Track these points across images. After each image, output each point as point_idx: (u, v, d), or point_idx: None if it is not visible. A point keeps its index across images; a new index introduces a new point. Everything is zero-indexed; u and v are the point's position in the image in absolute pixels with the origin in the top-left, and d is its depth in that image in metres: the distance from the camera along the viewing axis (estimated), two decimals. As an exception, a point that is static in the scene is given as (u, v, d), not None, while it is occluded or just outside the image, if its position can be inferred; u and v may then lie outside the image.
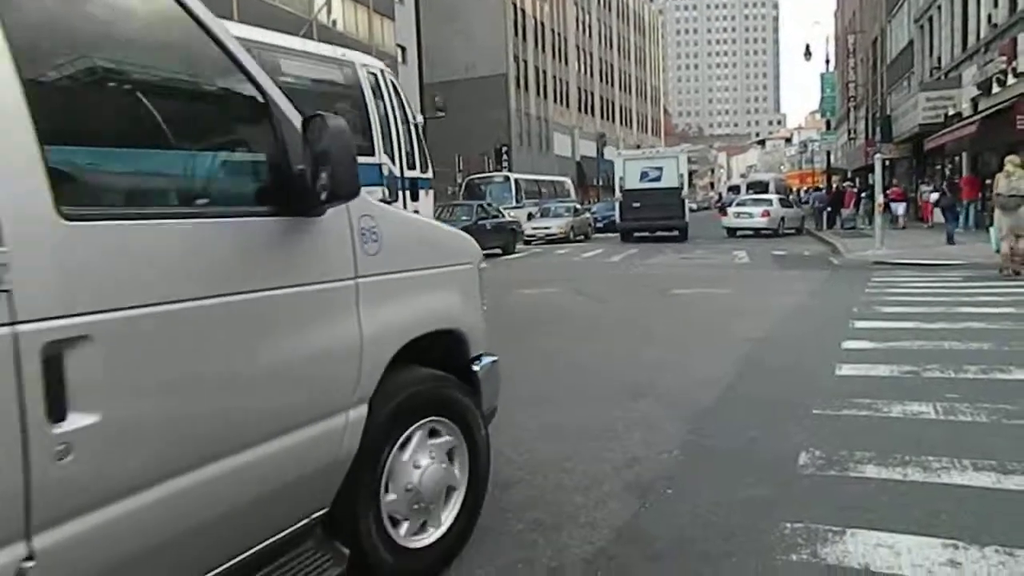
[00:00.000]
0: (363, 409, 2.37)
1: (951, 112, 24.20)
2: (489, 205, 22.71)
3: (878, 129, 23.50)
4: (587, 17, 63.09)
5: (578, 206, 31.48)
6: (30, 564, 1.48)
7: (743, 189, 33.93)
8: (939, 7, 26.88)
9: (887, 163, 27.52)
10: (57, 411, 1.52)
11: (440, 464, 2.67)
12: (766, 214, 25.29)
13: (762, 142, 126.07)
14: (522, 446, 4.09)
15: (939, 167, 28.69)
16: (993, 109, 19.78)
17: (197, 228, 1.87)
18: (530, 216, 27.97)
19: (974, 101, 22.59)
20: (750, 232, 25.37)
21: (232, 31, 2.13)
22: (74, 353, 1.55)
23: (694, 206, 40.46)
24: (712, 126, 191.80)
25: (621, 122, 71.84)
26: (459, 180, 35.99)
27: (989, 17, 21.84)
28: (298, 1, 29.02)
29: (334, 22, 32.05)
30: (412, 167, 10.16)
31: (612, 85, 69.51)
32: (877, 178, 18.65)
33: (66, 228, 1.55)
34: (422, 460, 2.60)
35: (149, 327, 1.71)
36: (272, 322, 2.07)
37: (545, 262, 18.80)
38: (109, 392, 1.62)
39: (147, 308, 1.70)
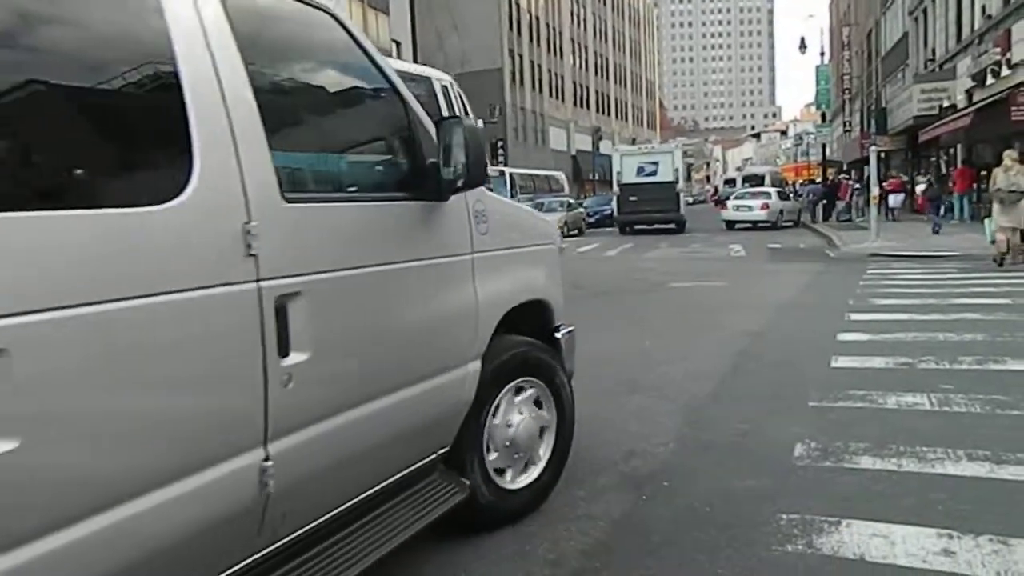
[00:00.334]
0: (478, 364, 2.82)
1: (946, 104, 24.20)
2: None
3: (873, 121, 23.49)
4: (582, 11, 62.99)
5: (571, 201, 31.46)
6: (268, 464, 1.93)
7: (739, 182, 33.94)
8: (933, -1, 26.89)
9: (882, 155, 27.53)
10: (284, 349, 1.96)
11: (532, 418, 3.10)
12: (765, 207, 25.40)
13: (757, 135, 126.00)
14: (519, 440, 4.10)
15: (934, 159, 28.72)
16: (988, 100, 19.79)
17: (363, 210, 2.36)
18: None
19: (969, 93, 22.60)
20: (748, 225, 25.44)
21: None
22: (293, 305, 1.99)
23: (690, 199, 40.48)
24: (707, 119, 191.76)
25: (617, 116, 71.79)
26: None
27: (983, 8, 21.85)
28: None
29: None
30: None
31: (607, 79, 69.43)
32: (872, 170, 18.66)
33: (287, 209, 2.01)
34: (517, 413, 3.05)
35: (342, 286, 2.19)
36: (417, 287, 2.54)
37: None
38: (315, 336, 2.05)
39: (340, 272, 2.18)
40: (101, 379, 1.57)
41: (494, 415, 2.97)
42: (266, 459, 1.92)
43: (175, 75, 1.78)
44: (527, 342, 3.17)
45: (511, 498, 3.03)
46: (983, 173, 19.99)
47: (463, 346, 2.74)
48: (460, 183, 2.53)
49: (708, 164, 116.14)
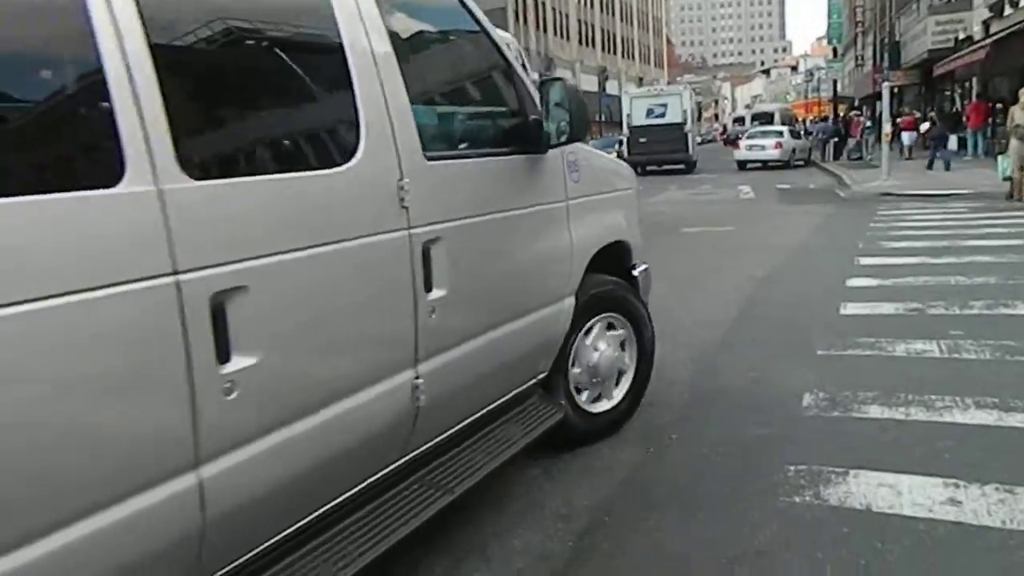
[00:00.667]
0: (572, 299, 3.18)
1: (961, 36, 23.55)
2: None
3: (886, 55, 22.79)
4: (586, -55, 61.02)
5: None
6: (419, 381, 2.32)
7: (747, 120, 33.37)
8: (951, -75, 25.88)
9: (895, 91, 26.96)
10: (428, 285, 2.33)
11: (613, 349, 3.46)
12: (778, 146, 25.45)
13: (767, 71, 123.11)
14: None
15: (948, 93, 28.09)
16: (1006, 32, 19.22)
17: (484, 164, 2.70)
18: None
19: (986, 24, 21.95)
20: (759, 164, 25.20)
21: None
22: (435, 248, 2.35)
23: (699, 139, 39.93)
24: (716, 56, 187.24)
25: (623, 55, 70.22)
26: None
27: (1003, -66, 21.05)
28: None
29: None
30: None
31: (613, 16, 67.71)
32: (884, 106, 18.31)
33: (429, 167, 2.36)
34: (600, 345, 3.40)
35: (471, 232, 2.54)
36: (526, 231, 2.89)
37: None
38: (451, 274, 2.40)
39: (469, 219, 2.53)
40: (311, 309, 1.95)
41: (586, 341, 3.35)
42: (416, 377, 2.31)
43: (345, 63, 2.13)
44: (612, 280, 3.50)
45: (595, 420, 3.42)
46: (998, 106, 19.59)
47: (561, 283, 3.12)
48: (563, 138, 2.90)
49: (717, 102, 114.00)
